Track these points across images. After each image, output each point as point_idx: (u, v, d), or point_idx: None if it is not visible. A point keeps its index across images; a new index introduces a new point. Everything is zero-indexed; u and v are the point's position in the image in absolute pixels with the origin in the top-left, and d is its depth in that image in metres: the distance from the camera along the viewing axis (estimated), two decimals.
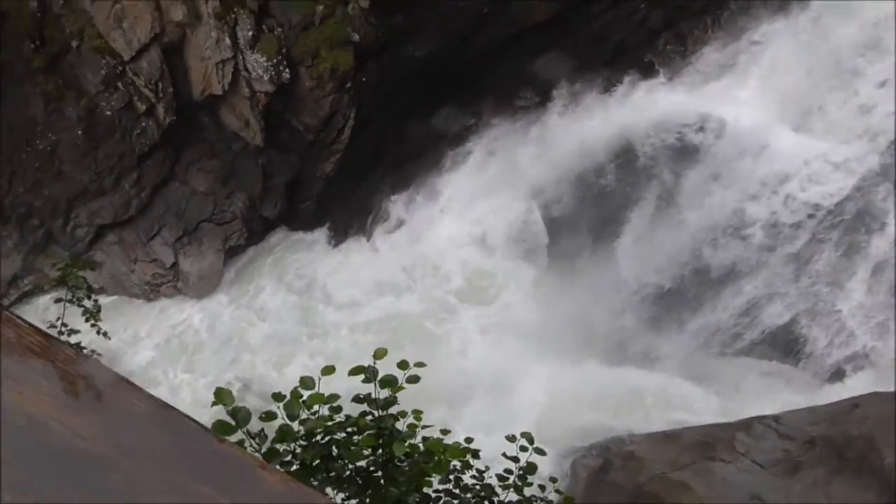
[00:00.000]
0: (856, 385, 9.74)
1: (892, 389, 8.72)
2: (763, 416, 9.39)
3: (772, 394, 10.41)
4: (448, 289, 14.35)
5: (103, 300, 14.03)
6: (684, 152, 13.13)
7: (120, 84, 13.11)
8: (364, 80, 14.25)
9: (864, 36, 12.03)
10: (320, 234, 15.61)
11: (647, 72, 14.93)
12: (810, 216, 11.08)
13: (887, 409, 8.25)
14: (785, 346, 10.79)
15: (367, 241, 15.59)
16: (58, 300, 4.44)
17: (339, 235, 15.67)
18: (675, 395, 11.35)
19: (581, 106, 15.11)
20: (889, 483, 7.62)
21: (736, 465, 8.97)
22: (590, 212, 13.82)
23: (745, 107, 12.68)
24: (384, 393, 2.99)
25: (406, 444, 2.94)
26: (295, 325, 13.81)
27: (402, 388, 3.00)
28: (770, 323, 10.96)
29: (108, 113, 13.26)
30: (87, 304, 4.47)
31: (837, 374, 10.31)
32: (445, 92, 15.76)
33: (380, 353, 2.98)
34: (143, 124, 13.53)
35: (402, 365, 3.03)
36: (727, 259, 11.26)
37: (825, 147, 10.98)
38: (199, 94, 13.29)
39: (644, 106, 14.26)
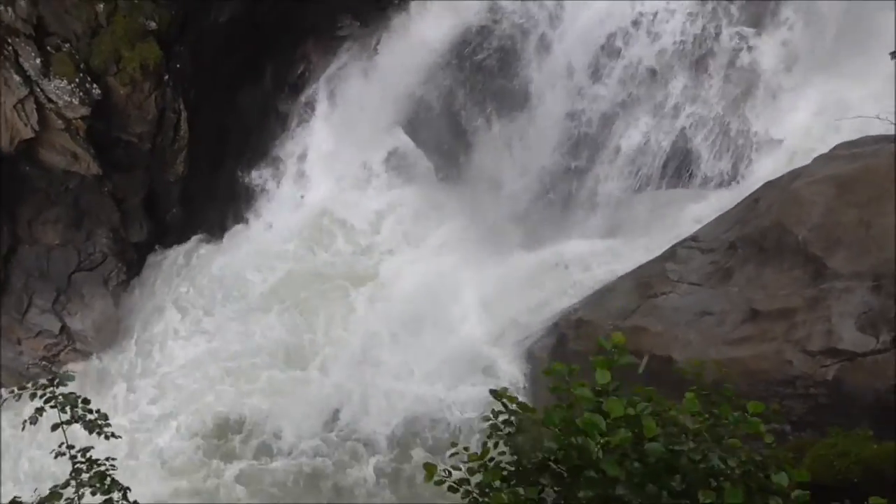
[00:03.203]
0: (749, 183, 10.47)
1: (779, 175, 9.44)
2: (682, 241, 10.00)
3: (678, 217, 11.04)
4: (349, 238, 14.10)
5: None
6: (514, 36, 13.19)
7: None
8: (178, 66, 13.22)
9: None
10: (198, 239, 14.78)
11: None
12: (650, 47, 11.50)
13: (784, 194, 8.97)
14: (673, 172, 11.40)
15: (247, 223, 14.92)
16: (55, 426, 4.12)
17: (216, 231, 14.89)
18: (595, 253, 11.84)
19: (404, 14, 14.74)
20: (809, 254, 8.38)
21: (676, 293, 9.59)
22: (453, 116, 13.77)
23: None
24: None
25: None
26: (223, 333, 13.19)
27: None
28: (653, 157, 11.51)
29: None
30: (91, 416, 4.17)
31: (728, 179, 11.05)
32: (266, 48, 14.93)
33: (618, 339, 2.83)
34: None
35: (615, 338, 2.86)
36: (596, 115, 11.61)
37: None
38: (8, 144, 11.91)
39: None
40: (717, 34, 10.85)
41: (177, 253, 14.46)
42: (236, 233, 14.63)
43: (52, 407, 4.13)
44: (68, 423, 4.15)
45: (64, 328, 13.01)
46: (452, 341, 12.00)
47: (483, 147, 13.71)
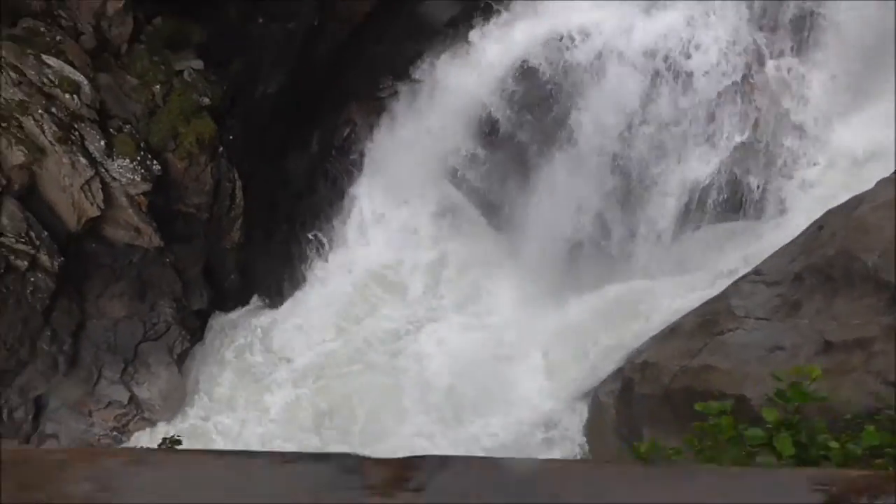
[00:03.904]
0: (806, 212, 10.28)
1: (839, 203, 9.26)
2: (745, 275, 9.81)
3: (736, 251, 10.87)
4: (405, 292, 14.21)
5: None
6: (559, 73, 13.34)
7: None
8: (231, 137, 13.74)
9: None
10: (256, 302, 15.07)
11: (488, 14, 15.01)
12: (697, 78, 11.53)
13: (848, 220, 8.78)
14: (727, 205, 11.28)
15: (300, 288, 15.14)
16: None
17: (273, 295, 15.19)
18: (654, 293, 11.68)
19: (442, 71, 15.08)
20: (881, 281, 8.14)
21: (743, 329, 9.36)
22: (501, 163, 13.92)
23: (593, 10, 12.96)
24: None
25: None
26: (268, 413, 13.28)
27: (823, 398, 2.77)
28: (705, 191, 11.42)
29: None
30: None
31: (785, 210, 10.88)
32: (312, 114, 15.43)
33: (813, 373, 2.76)
34: (32, 279, 12.56)
35: (804, 370, 2.79)
36: (646, 148, 11.62)
37: (683, 14, 11.41)
38: (76, 224, 12.43)
39: (500, 47, 14.35)
40: (762, 64, 10.84)
41: (232, 321, 14.72)
42: (290, 298, 14.82)
43: None
44: None
45: (132, 398, 13.29)
46: (511, 421, 11.76)
47: (530, 189, 13.70)
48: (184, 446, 12.56)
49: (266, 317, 14.74)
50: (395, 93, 15.57)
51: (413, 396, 12.41)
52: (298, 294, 14.97)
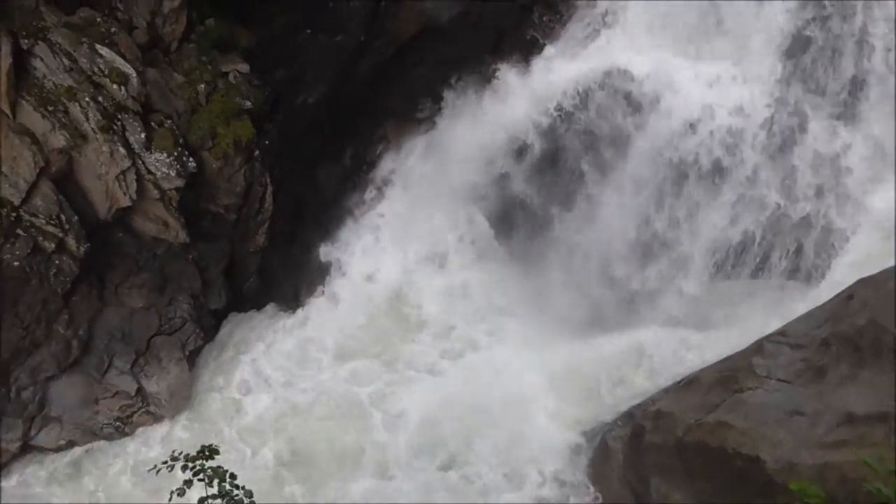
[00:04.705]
0: (836, 279, 10.22)
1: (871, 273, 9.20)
2: (769, 335, 9.72)
3: (764, 312, 10.79)
4: (419, 318, 14.15)
5: (76, 453, 13.16)
6: (596, 113, 13.41)
7: (19, 230, 12.19)
8: (267, 142, 13.86)
9: None
10: (272, 308, 15.06)
11: (532, 48, 15.13)
12: (734, 137, 11.55)
13: (879, 291, 8.71)
14: (758, 264, 11.23)
15: (316, 304, 15.06)
16: (202, 500, 4.12)
17: (290, 302, 15.18)
18: (673, 343, 11.60)
19: (480, 98, 15.17)
20: None
21: (763, 389, 9.26)
22: (530, 194, 13.95)
23: (638, 52, 13.04)
24: None
25: None
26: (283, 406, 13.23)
27: None
28: (734, 248, 11.39)
29: (17, 264, 12.31)
30: (237, 492, 4.18)
31: (814, 275, 10.82)
32: (348, 127, 15.56)
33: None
34: (57, 262, 12.65)
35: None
36: (679, 202, 11.62)
37: (725, 67, 11.47)
38: (106, 212, 12.54)
39: (541, 81, 14.45)
40: (804, 126, 10.86)
41: (250, 321, 14.68)
42: (306, 309, 14.73)
43: (199, 480, 4.17)
44: (214, 497, 4.16)
45: (140, 390, 13.26)
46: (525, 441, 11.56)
47: (562, 218, 13.65)
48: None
49: (281, 324, 14.58)
50: (430, 116, 15.68)
51: (396, 454, 12.00)
52: (312, 307, 14.86)
